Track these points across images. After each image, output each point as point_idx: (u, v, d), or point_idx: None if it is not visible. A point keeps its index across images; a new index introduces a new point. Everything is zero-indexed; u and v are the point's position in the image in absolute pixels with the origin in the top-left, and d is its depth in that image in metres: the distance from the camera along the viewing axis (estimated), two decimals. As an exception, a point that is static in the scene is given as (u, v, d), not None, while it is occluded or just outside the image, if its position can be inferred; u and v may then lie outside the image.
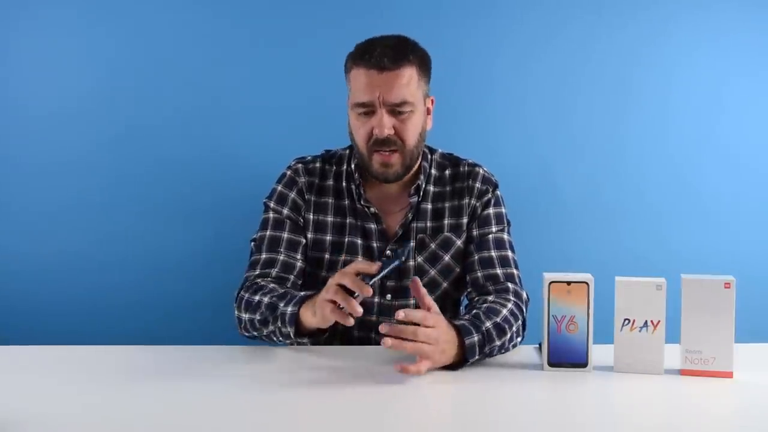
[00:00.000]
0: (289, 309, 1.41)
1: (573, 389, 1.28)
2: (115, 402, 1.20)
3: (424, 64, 1.55)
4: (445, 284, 1.62)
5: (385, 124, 1.50)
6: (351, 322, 1.28)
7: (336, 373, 1.34)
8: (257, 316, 1.47)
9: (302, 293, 1.44)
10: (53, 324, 2.02)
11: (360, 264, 1.31)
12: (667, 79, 2.08)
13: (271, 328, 1.45)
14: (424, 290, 1.35)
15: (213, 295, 2.03)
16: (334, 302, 1.28)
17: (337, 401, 1.21)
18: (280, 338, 1.45)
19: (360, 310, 1.26)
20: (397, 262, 1.33)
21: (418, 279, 1.35)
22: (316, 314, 1.35)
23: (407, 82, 1.50)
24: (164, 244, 2.05)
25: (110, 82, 2.02)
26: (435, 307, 1.35)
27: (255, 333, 1.50)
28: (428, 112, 1.60)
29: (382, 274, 1.30)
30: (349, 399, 1.22)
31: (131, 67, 2.02)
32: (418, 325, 1.29)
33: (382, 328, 1.27)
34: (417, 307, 1.60)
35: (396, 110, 1.51)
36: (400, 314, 1.28)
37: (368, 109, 1.51)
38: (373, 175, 1.57)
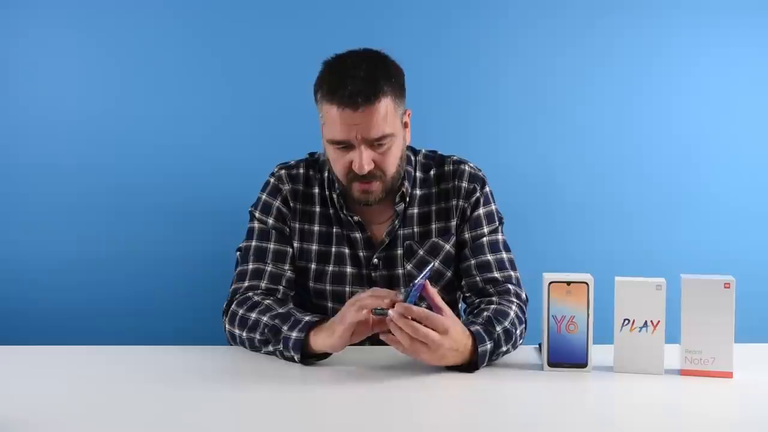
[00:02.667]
0: (294, 334, 1.37)
1: (573, 389, 1.28)
2: (115, 402, 1.20)
3: (398, 85, 1.47)
4: (436, 289, 1.60)
5: (365, 161, 1.44)
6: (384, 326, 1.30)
7: (335, 372, 1.34)
8: (257, 336, 1.43)
9: (307, 319, 1.39)
10: (53, 324, 2.02)
11: (378, 290, 1.33)
12: (668, 79, 2.08)
13: (271, 348, 1.42)
14: (433, 291, 1.33)
15: (213, 296, 2.03)
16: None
17: (337, 400, 1.21)
18: (281, 358, 1.42)
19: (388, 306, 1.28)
20: (419, 282, 1.32)
21: (427, 282, 1.33)
22: (333, 335, 1.33)
23: (384, 115, 1.43)
24: (164, 244, 2.04)
25: (106, 88, 2.02)
26: (448, 310, 1.33)
27: (252, 350, 1.46)
28: (405, 126, 1.53)
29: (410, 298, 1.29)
30: (348, 398, 1.22)
31: (126, 73, 2.02)
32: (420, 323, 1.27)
33: (393, 312, 1.25)
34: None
35: (375, 144, 1.45)
36: (400, 309, 1.26)
37: (345, 145, 1.46)
38: (353, 200, 1.54)
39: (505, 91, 2.07)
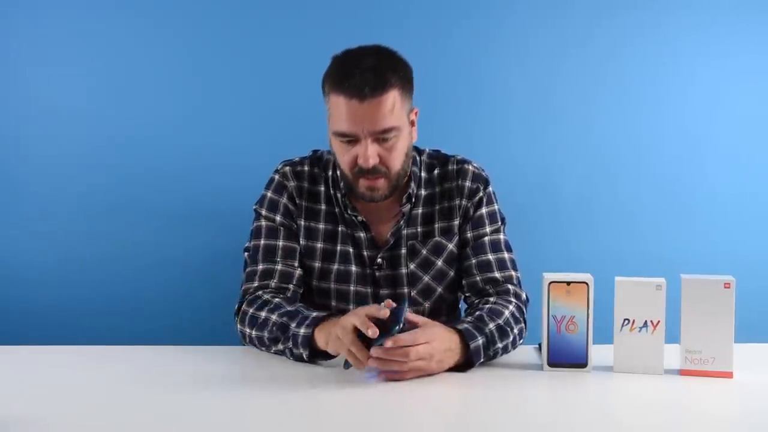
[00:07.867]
0: (302, 331, 1.37)
1: (573, 389, 1.28)
2: (115, 402, 1.20)
3: (406, 80, 1.48)
4: (439, 289, 1.59)
5: (370, 155, 1.43)
6: (363, 366, 1.29)
7: (335, 373, 1.34)
8: (266, 334, 1.43)
9: (314, 314, 1.40)
10: (53, 324, 2.02)
11: (371, 308, 1.30)
12: (667, 80, 2.08)
13: (281, 347, 1.42)
14: (405, 308, 1.32)
15: (213, 296, 2.03)
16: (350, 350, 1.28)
17: (337, 401, 1.21)
18: (291, 357, 1.41)
19: (367, 357, 1.27)
20: (402, 313, 1.29)
21: (389, 301, 1.33)
22: (329, 344, 1.33)
23: (391, 108, 1.43)
24: (165, 244, 2.04)
25: (107, 86, 2.01)
26: (422, 320, 1.35)
27: (262, 348, 1.47)
28: (412, 124, 1.53)
29: (395, 330, 1.27)
30: (349, 399, 1.22)
31: (127, 71, 2.01)
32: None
33: (374, 352, 1.26)
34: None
35: (381, 137, 1.44)
36: (388, 343, 1.25)
37: (351, 138, 1.45)
38: (359, 197, 1.53)
39: (510, 91, 2.06)
